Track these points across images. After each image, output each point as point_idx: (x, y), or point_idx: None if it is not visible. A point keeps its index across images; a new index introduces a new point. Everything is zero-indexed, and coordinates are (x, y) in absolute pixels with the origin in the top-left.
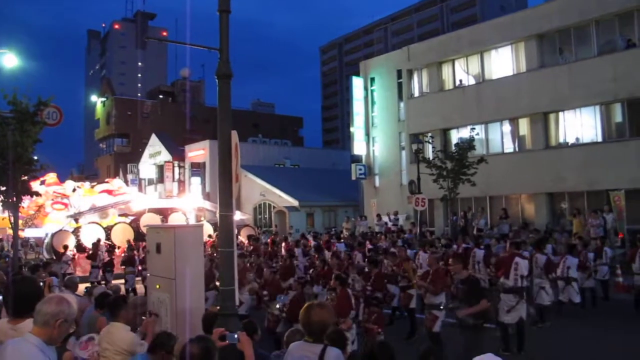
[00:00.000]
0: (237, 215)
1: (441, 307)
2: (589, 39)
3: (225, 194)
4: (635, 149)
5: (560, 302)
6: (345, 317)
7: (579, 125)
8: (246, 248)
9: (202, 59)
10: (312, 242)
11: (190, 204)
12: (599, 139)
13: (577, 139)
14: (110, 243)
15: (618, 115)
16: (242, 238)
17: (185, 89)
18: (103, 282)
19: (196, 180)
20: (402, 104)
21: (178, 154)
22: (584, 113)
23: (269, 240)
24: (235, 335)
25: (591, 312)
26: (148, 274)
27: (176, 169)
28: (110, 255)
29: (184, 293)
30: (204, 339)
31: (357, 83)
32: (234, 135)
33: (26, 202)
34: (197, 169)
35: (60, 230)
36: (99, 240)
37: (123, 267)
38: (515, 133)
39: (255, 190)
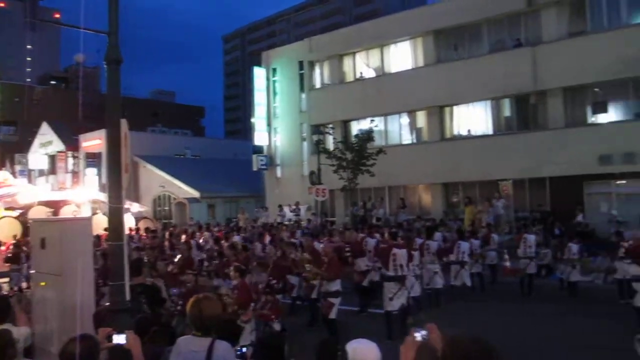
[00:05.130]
0: (135, 207)
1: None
2: (481, 37)
3: (115, 185)
4: (522, 142)
5: (452, 286)
6: (246, 308)
7: (472, 119)
8: (143, 241)
9: (100, 44)
10: (206, 234)
11: (84, 196)
12: (490, 132)
13: (470, 131)
14: None
15: (507, 110)
16: (141, 230)
17: (79, 75)
18: None
19: (92, 171)
20: (303, 95)
21: (72, 144)
22: (477, 107)
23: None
24: (123, 335)
25: (480, 295)
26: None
27: (70, 160)
28: None
29: (72, 290)
30: (85, 337)
31: (259, 73)
32: (124, 123)
33: None
34: (93, 159)
35: None
36: None
37: (8, 264)
38: (413, 125)
39: (155, 181)
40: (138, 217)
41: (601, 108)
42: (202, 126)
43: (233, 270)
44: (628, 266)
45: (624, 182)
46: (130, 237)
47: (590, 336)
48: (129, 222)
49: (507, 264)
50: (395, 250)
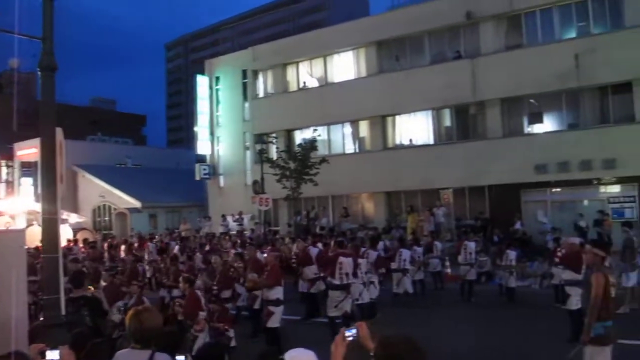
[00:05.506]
0: (74, 218)
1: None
2: (422, 49)
3: (49, 195)
4: (462, 151)
5: (395, 294)
6: (195, 318)
7: (414, 129)
8: (81, 252)
9: (36, 48)
10: (149, 244)
11: (19, 206)
12: (431, 142)
13: (411, 141)
14: None
15: (447, 120)
16: (79, 242)
17: (14, 81)
18: None
19: (27, 181)
20: (247, 104)
21: (6, 152)
22: (418, 117)
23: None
24: (57, 351)
25: (422, 301)
26: None
27: (4, 169)
28: None
29: (5, 305)
30: (17, 355)
31: (202, 82)
32: (59, 132)
33: None
34: (28, 168)
35: None
36: None
37: None
38: (355, 135)
39: (95, 191)
40: (77, 228)
41: (537, 119)
42: (143, 135)
43: (182, 280)
44: (562, 272)
45: (558, 190)
46: (69, 248)
47: (525, 339)
48: (65, 233)
49: (449, 270)
50: (341, 258)
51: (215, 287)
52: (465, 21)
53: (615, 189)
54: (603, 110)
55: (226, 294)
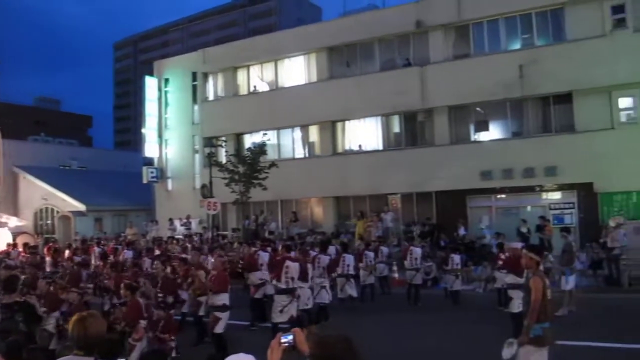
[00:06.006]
0: (13, 222)
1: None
2: (373, 55)
3: None
4: (410, 157)
5: (341, 299)
6: (135, 326)
7: (363, 134)
8: (21, 257)
9: None
10: (96, 249)
11: None
12: (380, 147)
13: (361, 146)
14: None
15: (396, 126)
16: (19, 246)
17: None
18: None
19: None
20: (196, 107)
21: None
22: (368, 123)
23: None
24: None
25: (370, 306)
26: None
27: None
28: None
29: None
30: None
31: (151, 83)
32: None
33: None
34: None
35: None
36: None
37: None
38: (305, 139)
39: (37, 193)
40: (16, 232)
41: (483, 127)
42: (89, 136)
43: (123, 287)
44: (505, 276)
45: (503, 196)
46: (7, 253)
47: (467, 341)
48: (4, 237)
49: (396, 275)
50: (288, 262)
51: (160, 294)
52: (415, 29)
53: (556, 195)
54: (545, 120)
55: (169, 299)
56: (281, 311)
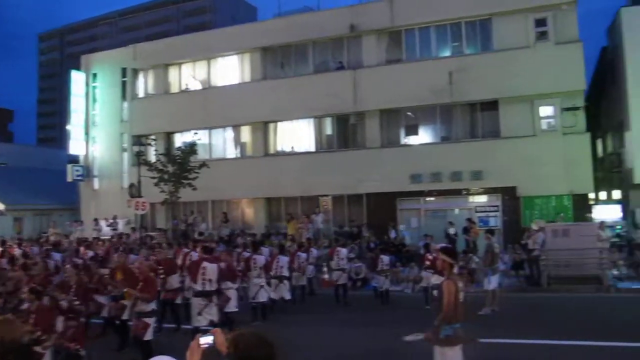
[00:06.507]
0: None
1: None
2: (307, 57)
3: None
4: (341, 159)
5: (273, 300)
6: (47, 333)
7: (296, 136)
8: None
9: None
10: (17, 250)
11: None
12: (312, 149)
13: (293, 148)
14: None
15: (329, 129)
16: None
17: None
18: None
19: None
20: (125, 104)
21: None
22: (300, 124)
23: None
24: None
25: (301, 307)
26: None
27: None
28: None
29: None
30: None
31: (78, 78)
32: None
33: None
34: None
35: None
36: None
37: None
38: (237, 140)
39: None
40: None
41: (413, 131)
42: (10, 131)
43: (27, 292)
44: (431, 276)
45: (431, 199)
46: None
47: (393, 339)
48: None
49: (326, 276)
50: (205, 264)
51: (74, 299)
52: (349, 33)
53: (482, 199)
54: (473, 126)
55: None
56: (199, 314)
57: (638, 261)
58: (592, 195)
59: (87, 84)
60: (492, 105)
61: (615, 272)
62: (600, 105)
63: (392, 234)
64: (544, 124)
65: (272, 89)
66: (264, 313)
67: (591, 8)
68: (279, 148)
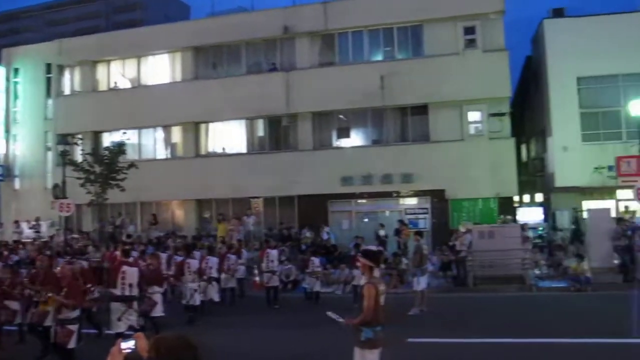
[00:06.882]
0: None
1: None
2: (239, 58)
3: None
4: (273, 161)
5: (202, 302)
6: None
7: (227, 137)
8: None
9: None
10: None
11: None
12: (244, 151)
13: (224, 149)
14: None
15: (261, 130)
16: None
17: None
18: None
19: None
20: (50, 101)
21: None
22: (232, 125)
23: None
24: None
25: (230, 309)
26: None
27: None
28: None
29: None
30: None
31: None
32: None
33: None
34: None
35: None
36: None
37: None
38: (168, 140)
39: None
40: None
41: (344, 133)
42: None
43: None
44: (362, 275)
45: (363, 201)
46: None
47: (323, 339)
48: None
49: (257, 278)
50: (125, 267)
51: None
52: (282, 35)
53: (412, 201)
54: (403, 129)
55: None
56: (119, 319)
57: (558, 261)
58: (516, 198)
59: (7, 79)
60: (422, 110)
61: (537, 271)
62: (525, 111)
63: (324, 236)
64: (471, 129)
65: (204, 89)
66: (195, 316)
67: (518, 17)
68: (210, 149)
